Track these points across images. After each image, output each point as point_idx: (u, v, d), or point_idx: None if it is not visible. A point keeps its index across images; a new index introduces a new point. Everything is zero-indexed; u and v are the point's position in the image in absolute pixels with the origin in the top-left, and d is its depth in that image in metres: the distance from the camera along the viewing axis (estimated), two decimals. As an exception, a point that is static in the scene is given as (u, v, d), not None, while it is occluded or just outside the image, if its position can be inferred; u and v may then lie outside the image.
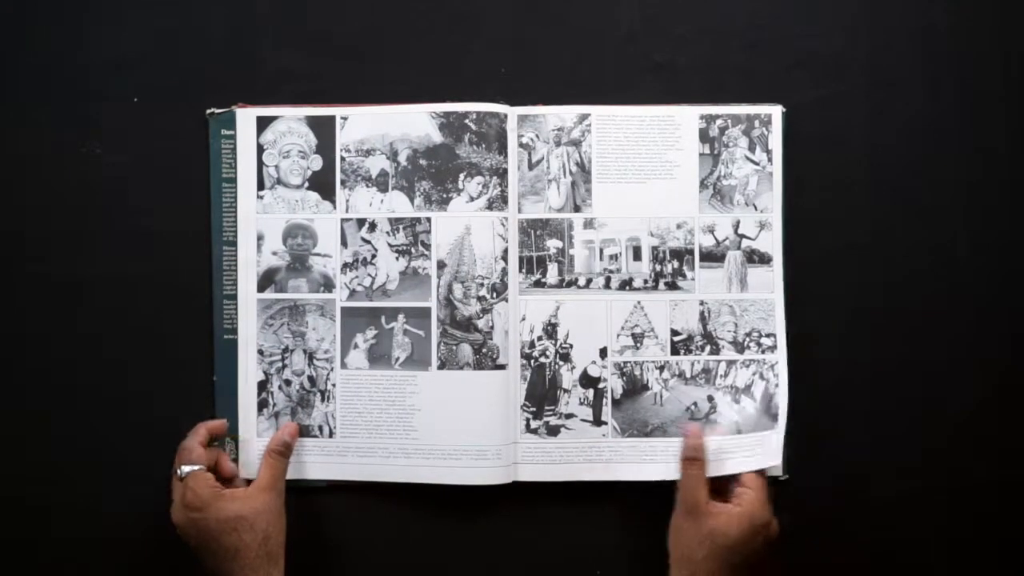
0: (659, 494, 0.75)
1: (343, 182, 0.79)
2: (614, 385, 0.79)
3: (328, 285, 0.79)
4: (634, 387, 0.79)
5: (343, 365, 0.79)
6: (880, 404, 0.80)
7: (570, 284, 0.80)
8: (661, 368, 0.79)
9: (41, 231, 0.79)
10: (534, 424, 0.79)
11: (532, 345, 0.79)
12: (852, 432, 0.80)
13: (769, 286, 0.79)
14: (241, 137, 0.79)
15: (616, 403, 0.79)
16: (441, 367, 0.78)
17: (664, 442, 0.78)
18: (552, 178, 0.80)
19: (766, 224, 0.80)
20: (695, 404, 0.79)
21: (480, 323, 0.78)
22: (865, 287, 0.80)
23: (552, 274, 0.80)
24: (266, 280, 0.79)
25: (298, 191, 0.79)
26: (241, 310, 0.79)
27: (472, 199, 0.79)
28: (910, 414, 0.80)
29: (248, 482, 0.76)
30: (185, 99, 0.79)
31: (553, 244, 0.80)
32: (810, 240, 0.80)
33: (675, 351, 0.79)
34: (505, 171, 0.79)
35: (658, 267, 0.80)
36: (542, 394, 0.79)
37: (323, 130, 0.79)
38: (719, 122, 0.80)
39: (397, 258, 0.79)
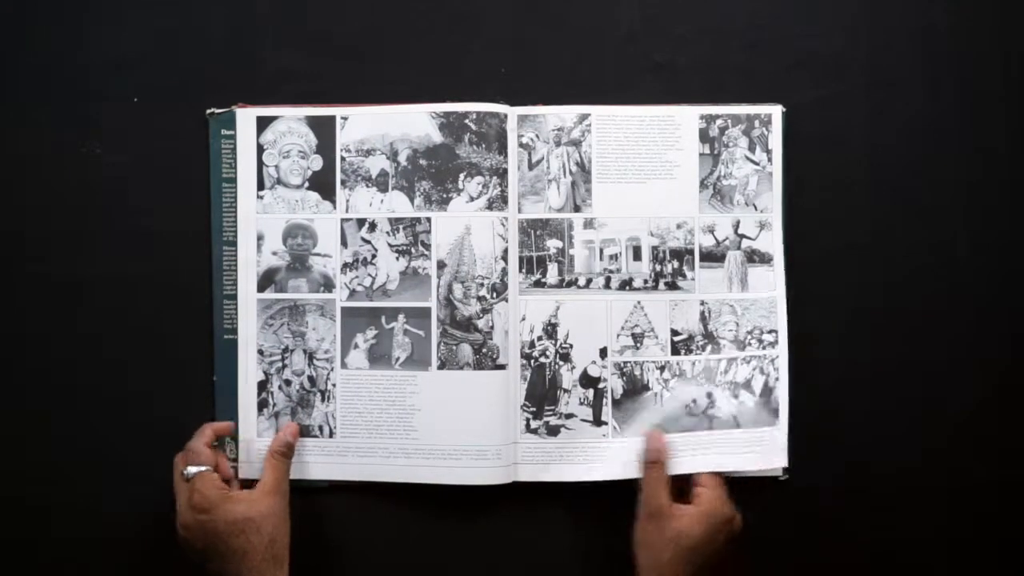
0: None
1: (343, 182, 0.79)
2: (614, 385, 0.79)
3: (328, 285, 0.79)
4: (634, 387, 0.79)
5: (343, 365, 0.79)
6: (880, 404, 0.80)
7: (570, 284, 0.80)
8: (661, 368, 0.79)
9: (41, 231, 0.79)
10: (534, 424, 0.79)
11: (532, 345, 0.79)
12: (852, 432, 0.80)
13: (769, 286, 0.79)
14: (241, 137, 0.79)
15: (616, 403, 0.79)
16: (441, 367, 0.78)
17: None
18: (552, 178, 0.80)
19: (766, 224, 0.79)
20: (694, 401, 0.79)
21: (480, 323, 0.78)
22: (865, 287, 0.80)
23: (552, 274, 0.80)
24: (266, 280, 0.79)
25: (298, 191, 0.79)
26: (241, 310, 0.79)
27: (472, 199, 0.79)
28: (910, 414, 0.80)
29: (248, 482, 0.75)
30: (185, 99, 0.79)
31: (553, 244, 0.80)
32: (810, 240, 0.80)
33: (675, 351, 0.79)
34: (505, 171, 0.79)
35: (658, 267, 0.79)
36: (542, 394, 0.79)
37: (323, 130, 0.79)
38: (719, 122, 0.79)
39: (397, 258, 0.79)
